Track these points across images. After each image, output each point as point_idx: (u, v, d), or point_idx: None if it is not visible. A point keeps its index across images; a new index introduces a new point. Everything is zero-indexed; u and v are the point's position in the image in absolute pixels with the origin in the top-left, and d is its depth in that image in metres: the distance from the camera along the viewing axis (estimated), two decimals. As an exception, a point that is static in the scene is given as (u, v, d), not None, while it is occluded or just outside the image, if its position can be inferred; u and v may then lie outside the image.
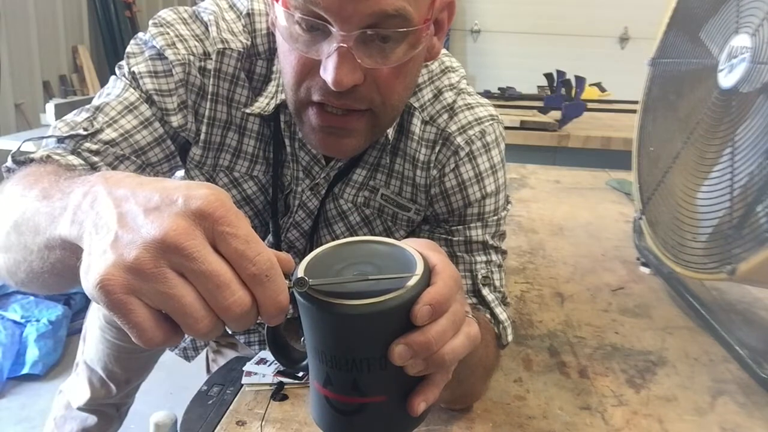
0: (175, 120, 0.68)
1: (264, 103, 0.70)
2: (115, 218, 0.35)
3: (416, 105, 0.73)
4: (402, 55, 0.58)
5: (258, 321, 0.37)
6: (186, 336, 0.35)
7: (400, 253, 0.43)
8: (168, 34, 0.67)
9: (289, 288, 0.38)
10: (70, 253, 0.35)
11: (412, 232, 0.79)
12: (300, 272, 0.41)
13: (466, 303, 0.46)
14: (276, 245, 0.78)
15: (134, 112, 0.66)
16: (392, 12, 0.53)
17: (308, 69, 0.59)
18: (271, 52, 0.70)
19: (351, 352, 0.40)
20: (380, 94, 0.60)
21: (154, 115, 0.66)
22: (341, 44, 0.54)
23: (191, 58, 0.67)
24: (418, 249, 0.43)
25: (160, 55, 0.67)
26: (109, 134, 0.64)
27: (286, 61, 0.61)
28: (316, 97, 0.59)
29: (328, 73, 0.55)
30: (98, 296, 0.33)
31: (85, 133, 0.63)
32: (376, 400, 0.42)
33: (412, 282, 0.40)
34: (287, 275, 0.38)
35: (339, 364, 0.41)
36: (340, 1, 0.52)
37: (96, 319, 1.13)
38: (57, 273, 0.43)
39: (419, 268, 0.41)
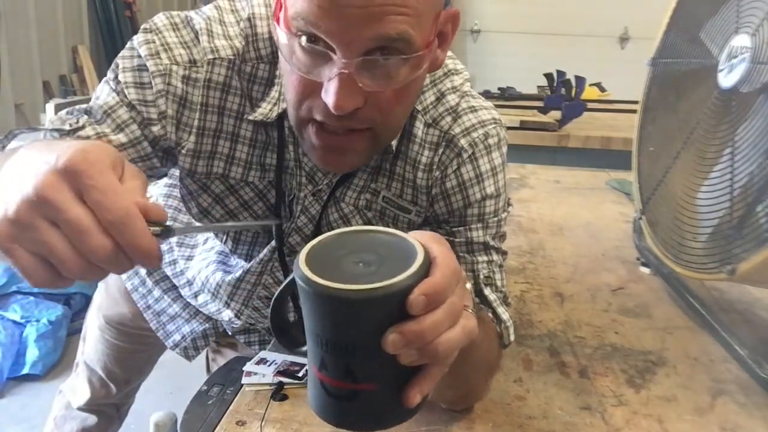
0: (155, 130, 0.68)
1: (267, 109, 0.69)
2: (14, 181, 0.41)
3: (419, 108, 0.73)
4: (404, 78, 0.57)
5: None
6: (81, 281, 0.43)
7: (403, 244, 0.43)
8: (154, 42, 0.67)
9: (154, 234, 0.43)
10: None
11: None
12: (302, 259, 0.42)
13: (467, 297, 0.46)
14: (279, 250, 0.79)
15: (112, 116, 0.67)
16: (395, 35, 0.53)
17: (310, 90, 0.58)
18: (275, 56, 0.69)
19: (345, 336, 0.41)
20: (381, 114, 0.60)
21: (132, 119, 0.67)
22: (342, 70, 0.54)
23: (174, 67, 0.67)
24: (421, 241, 0.43)
25: (144, 66, 0.67)
26: (87, 132, 0.65)
27: (288, 80, 0.61)
28: (317, 116, 0.60)
29: (329, 96, 0.55)
30: None
31: (68, 128, 0.65)
32: (369, 387, 0.43)
33: (408, 272, 0.40)
34: (158, 223, 0.43)
35: (333, 348, 0.42)
36: (341, 27, 0.52)
37: (96, 319, 1.13)
38: None
39: (418, 259, 0.41)
